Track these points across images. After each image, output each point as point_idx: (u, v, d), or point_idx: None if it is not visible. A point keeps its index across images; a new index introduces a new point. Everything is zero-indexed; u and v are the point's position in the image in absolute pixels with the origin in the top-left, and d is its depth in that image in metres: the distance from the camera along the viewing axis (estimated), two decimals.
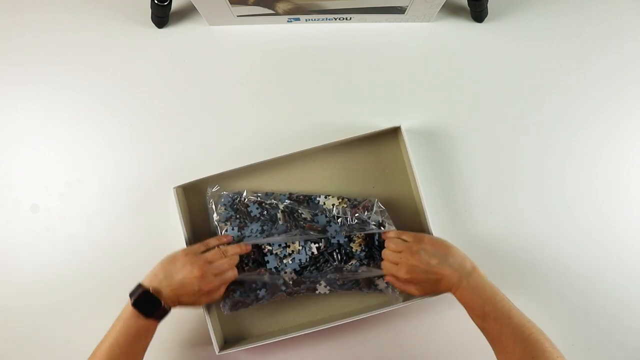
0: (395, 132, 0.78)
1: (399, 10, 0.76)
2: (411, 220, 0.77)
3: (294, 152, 0.73)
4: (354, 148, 0.78)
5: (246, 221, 0.74)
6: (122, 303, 0.76)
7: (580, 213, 0.79)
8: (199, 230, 0.77)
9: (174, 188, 0.72)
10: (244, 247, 0.72)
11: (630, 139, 0.80)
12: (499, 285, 0.65)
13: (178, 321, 0.76)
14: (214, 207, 0.75)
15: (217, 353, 0.71)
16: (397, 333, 0.78)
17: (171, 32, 0.82)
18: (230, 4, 0.73)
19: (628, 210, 0.79)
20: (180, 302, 0.67)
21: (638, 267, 0.78)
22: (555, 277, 0.78)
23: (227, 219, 0.74)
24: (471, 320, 0.65)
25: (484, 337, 0.64)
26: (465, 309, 0.66)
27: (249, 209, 0.74)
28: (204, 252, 0.70)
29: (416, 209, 0.77)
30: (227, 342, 0.76)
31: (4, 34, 0.82)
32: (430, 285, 0.68)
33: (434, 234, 0.72)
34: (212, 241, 0.72)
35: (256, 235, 0.73)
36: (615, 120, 0.80)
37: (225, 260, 0.69)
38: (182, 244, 0.72)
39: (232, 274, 0.70)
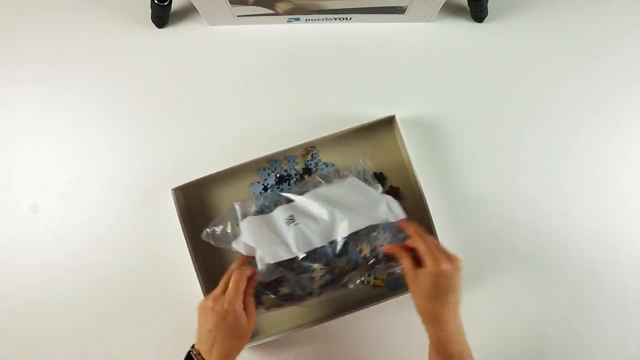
0: (390, 122, 0.78)
1: (399, 10, 0.76)
2: (411, 211, 0.75)
3: (291, 147, 0.73)
4: (351, 140, 0.79)
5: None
6: (121, 303, 0.77)
7: (580, 213, 0.79)
8: (198, 229, 0.76)
9: (171, 190, 0.72)
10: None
11: (630, 139, 0.80)
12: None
13: (179, 320, 0.76)
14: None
15: None
16: (396, 326, 0.78)
17: (171, 32, 0.82)
18: (230, 4, 0.73)
19: (628, 210, 0.79)
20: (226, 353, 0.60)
21: (638, 267, 0.78)
22: (555, 276, 0.78)
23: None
24: None
25: None
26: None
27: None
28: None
29: (414, 199, 0.77)
30: None
31: (4, 34, 0.82)
32: (432, 289, 0.59)
33: (434, 221, 0.72)
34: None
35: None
36: (615, 120, 0.80)
37: (230, 285, 0.61)
38: (181, 243, 0.72)
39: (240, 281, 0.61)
